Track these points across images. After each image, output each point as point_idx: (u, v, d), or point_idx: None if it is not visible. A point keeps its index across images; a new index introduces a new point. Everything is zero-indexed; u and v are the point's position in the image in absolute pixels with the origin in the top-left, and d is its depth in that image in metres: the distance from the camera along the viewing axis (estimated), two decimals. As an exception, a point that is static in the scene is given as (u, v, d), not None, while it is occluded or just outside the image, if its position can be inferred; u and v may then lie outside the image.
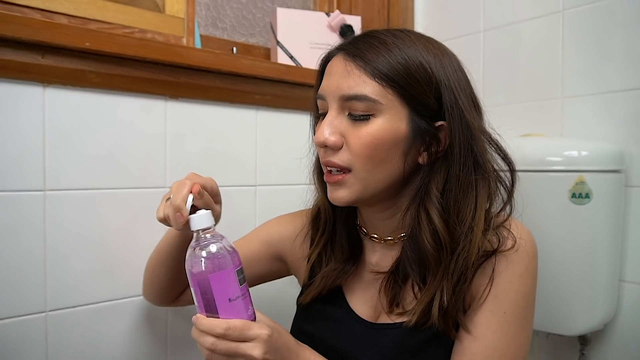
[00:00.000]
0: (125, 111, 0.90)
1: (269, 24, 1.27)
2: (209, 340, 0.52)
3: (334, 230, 0.71)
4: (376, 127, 0.59)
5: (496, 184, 0.63)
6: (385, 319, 0.65)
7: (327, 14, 1.24)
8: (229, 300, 0.53)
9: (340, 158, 0.61)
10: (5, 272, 0.77)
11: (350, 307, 0.69)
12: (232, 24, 1.30)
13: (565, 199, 0.93)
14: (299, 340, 0.63)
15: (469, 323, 0.60)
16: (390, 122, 0.59)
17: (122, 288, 0.90)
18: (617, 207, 0.97)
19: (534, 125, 1.16)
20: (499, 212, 0.64)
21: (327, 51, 0.67)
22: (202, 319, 0.53)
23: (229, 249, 0.55)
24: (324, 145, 0.61)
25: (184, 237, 0.69)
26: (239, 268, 0.55)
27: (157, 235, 0.94)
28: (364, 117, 0.60)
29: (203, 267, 0.53)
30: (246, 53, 1.28)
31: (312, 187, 0.76)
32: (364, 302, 0.68)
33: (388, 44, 0.60)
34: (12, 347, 0.78)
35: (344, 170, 0.61)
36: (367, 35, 0.63)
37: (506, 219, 0.64)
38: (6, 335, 0.78)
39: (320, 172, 0.69)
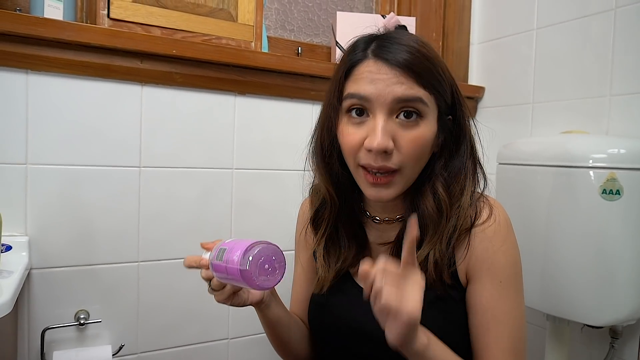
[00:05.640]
0: (202, 105, 1.10)
1: (331, 26, 1.41)
2: None
3: (337, 221, 0.76)
4: (423, 129, 0.65)
5: (479, 166, 0.74)
6: None
7: (383, 16, 1.35)
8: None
9: (393, 162, 0.64)
10: (109, 229, 1.01)
11: (357, 284, 0.77)
12: (299, 26, 1.46)
13: (596, 194, 0.97)
14: (319, 311, 0.77)
15: (476, 298, 0.69)
16: (431, 123, 0.66)
17: (196, 248, 1.11)
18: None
19: (581, 122, 1.19)
20: (482, 191, 0.74)
21: (355, 57, 0.68)
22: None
23: None
24: (383, 152, 0.63)
25: (273, 315, 0.78)
26: None
27: (225, 207, 1.13)
28: (416, 119, 0.64)
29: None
30: (310, 52, 1.43)
31: (309, 174, 0.80)
32: None
33: (429, 57, 0.65)
34: (114, 285, 1.03)
35: (393, 171, 0.65)
36: (399, 44, 0.65)
37: (481, 194, 0.73)
38: (110, 276, 1.02)
39: (326, 162, 0.73)
